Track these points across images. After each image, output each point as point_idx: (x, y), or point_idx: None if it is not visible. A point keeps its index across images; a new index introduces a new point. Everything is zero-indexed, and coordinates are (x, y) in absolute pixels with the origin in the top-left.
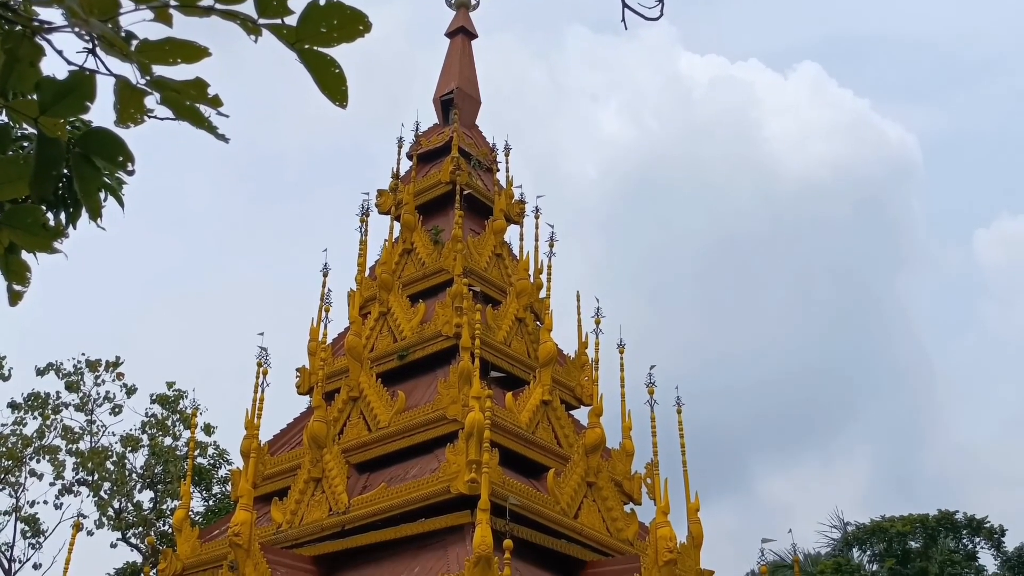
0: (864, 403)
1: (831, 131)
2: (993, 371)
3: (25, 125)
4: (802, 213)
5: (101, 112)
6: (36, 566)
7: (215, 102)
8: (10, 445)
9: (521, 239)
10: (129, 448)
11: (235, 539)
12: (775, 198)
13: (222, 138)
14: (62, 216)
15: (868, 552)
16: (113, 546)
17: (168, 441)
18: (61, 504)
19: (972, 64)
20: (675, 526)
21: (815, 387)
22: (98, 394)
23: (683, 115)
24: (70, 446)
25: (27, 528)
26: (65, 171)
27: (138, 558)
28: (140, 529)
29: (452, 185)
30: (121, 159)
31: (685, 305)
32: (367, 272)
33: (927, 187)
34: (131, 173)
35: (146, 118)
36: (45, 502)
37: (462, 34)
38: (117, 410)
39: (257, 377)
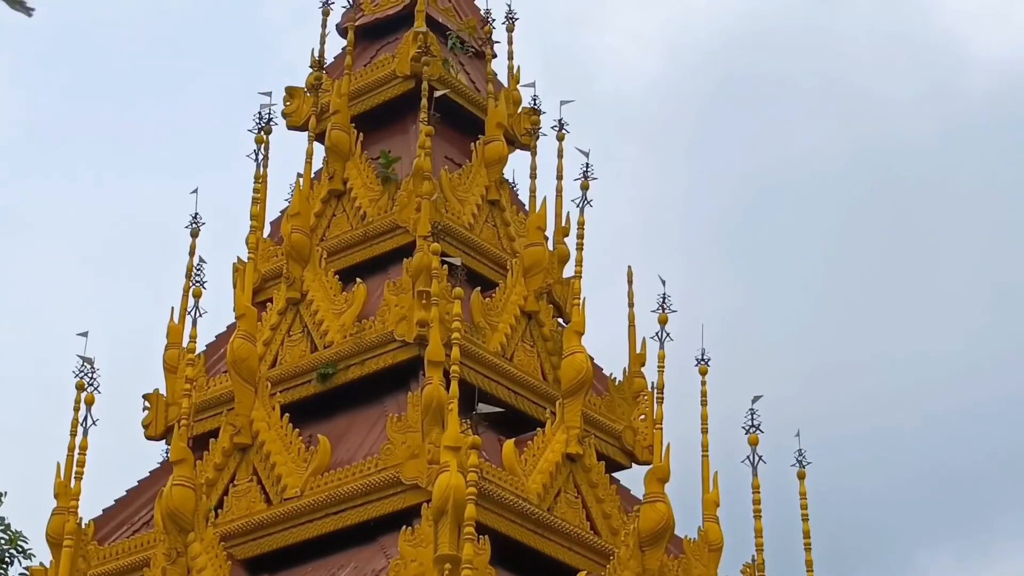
0: None
1: None
2: None
3: None
4: (1000, 126)
5: None
6: None
7: None
8: None
9: (532, 175)
10: None
11: None
12: (955, 103)
13: (24, 8)
14: None
15: None
16: None
17: None
18: None
19: None
20: None
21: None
22: None
23: None
24: None
25: None
26: None
27: None
28: None
29: (415, 80)
30: None
31: (801, 283)
32: (267, 230)
33: None
34: None
35: None
36: None
37: None
38: None
39: (76, 408)
